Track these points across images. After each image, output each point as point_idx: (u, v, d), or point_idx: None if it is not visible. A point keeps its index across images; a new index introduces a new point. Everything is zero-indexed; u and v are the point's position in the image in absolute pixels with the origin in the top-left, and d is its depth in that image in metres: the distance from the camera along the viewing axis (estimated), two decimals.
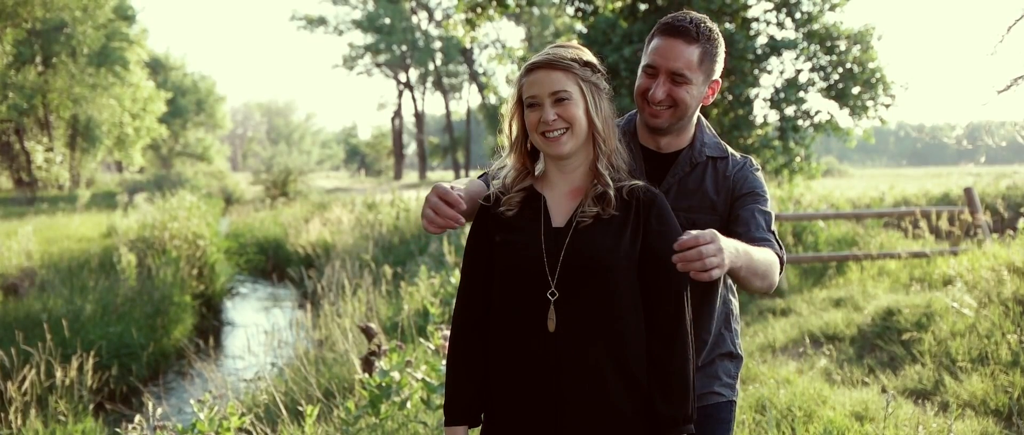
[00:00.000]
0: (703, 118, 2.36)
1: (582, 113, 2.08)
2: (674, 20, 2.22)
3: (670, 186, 2.29)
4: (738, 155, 2.35)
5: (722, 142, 2.41)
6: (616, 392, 2.03)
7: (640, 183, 2.14)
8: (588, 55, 2.14)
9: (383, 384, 4.12)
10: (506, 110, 2.17)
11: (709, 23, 2.25)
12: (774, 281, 2.14)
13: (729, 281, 2.35)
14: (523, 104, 2.12)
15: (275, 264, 17.87)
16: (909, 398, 5.25)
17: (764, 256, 2.09)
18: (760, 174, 2.35)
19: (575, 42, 2.17)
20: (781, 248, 2.20)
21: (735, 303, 2.41)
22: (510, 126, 2.17)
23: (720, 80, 2.29)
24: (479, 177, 2.35)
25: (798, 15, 20.59)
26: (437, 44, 55.87)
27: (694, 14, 2.24)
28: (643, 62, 2.24)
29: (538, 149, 2.15)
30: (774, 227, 2.26)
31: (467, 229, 2.31)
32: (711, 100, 2.31)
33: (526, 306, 2.07)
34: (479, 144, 58.85)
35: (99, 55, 37.41)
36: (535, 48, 32.92)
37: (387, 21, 54.38)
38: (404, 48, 55.96)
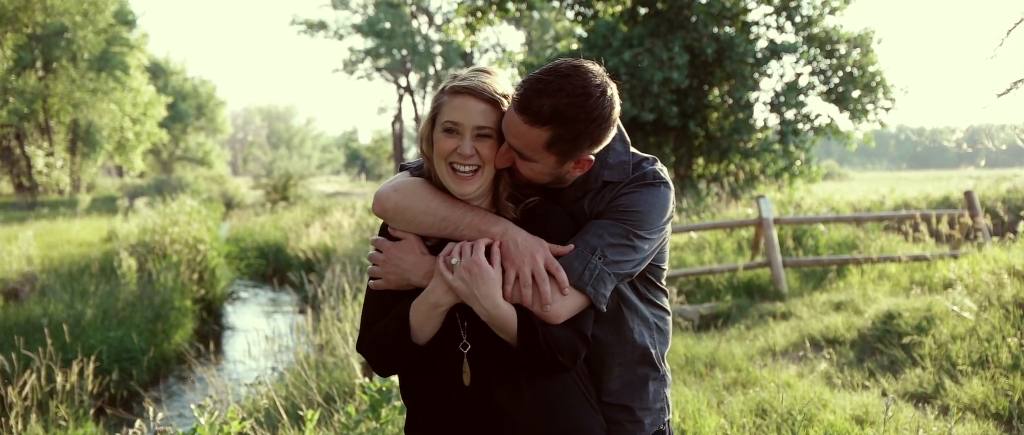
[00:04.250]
0: (622, 134, 2.08)
1: (494, 154, 1.94)
2: (530, 91, 1.87)
3: None
4: (644, 172, 2.04)
5: (641, 158, 2.09)
6: None
7: (534, 198, 2.03)
8: (508, 87, 1.99)
9: (383, 388, 4.12)
10: (423, 125, 2.01)
11: (582, 100, 1.86)
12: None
13: (642, 296, 2.17)
14: (435, 123, 1.95)
15: (275, 268, 17.88)
16: (909, 402, 5.25)
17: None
18: (654, 194, 2.02)
19: (495, 69, 2.00)
20: (589, 275, 1.91)
21: (652, 323, 2.19)
22: (428, 147, 2.00)
23: (594, 159, 1.98)
24: (402, 169, 2.17)
25: (798, 19, 20.63)
26: (437, 48, 55.95)
27: (576, 81, 1.88)
28: None
29: (437, 175, 1.99)
30: (599, 258, 1.93)
31: None
32: (581, 172, 2.00)
33: (440, 360, 1.98)
34: None
35: (99, 60, 37.49)
36: (535, 52, 32.91)
37: (387, 25, 54.44)
38: (404, 52, 56.03)
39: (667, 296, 2.26)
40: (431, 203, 2.00)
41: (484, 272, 1.86)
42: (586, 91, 1.87)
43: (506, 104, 1.95)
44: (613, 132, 1.99)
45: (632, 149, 2.11)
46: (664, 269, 2.20)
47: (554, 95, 1.85)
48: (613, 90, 1.94)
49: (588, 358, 2.08)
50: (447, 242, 1.98)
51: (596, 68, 1.94)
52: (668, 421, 2.25)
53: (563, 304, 1.91)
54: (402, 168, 2.17)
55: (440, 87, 1.98)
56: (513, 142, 1.93)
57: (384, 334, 1.99)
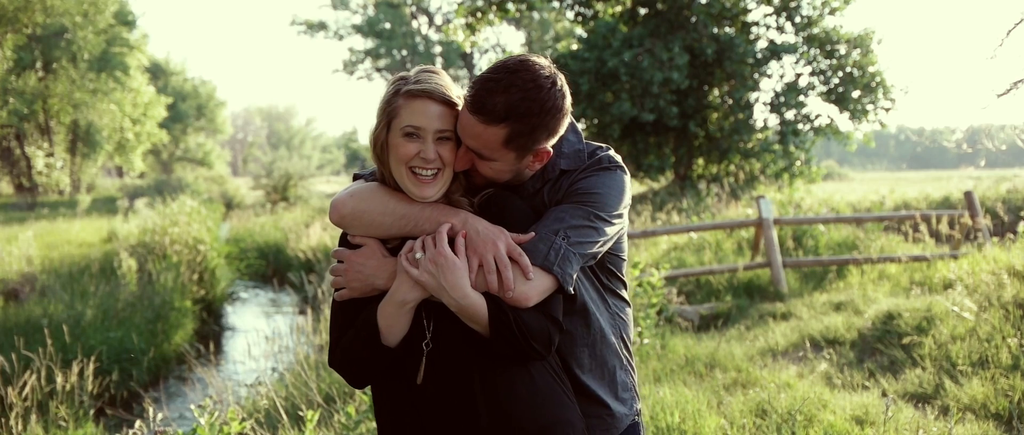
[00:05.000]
0: (573, 125, 2.12)
1: (453, 157, 1.96)
2: (482, 91, 1.88)
3: None
4: (599, 158, 2.09)
5: (595, 147, 2.14)
6: None
7: (490, 190, 2.04)
8: (455, 86, 2.00)
9: None
10: (375, 129, 1.98)
11: (534, 93, 1.88)
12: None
13: (605, 286, 2.19)
14: (391, 127, 1.94)
15: (276, 269, 17.88)
16: (909, 402, 5.25)
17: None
18: (612, 177, 2.06)
19: (440, 69, 2.00)
20: (554, 255, 1.92)
21: (614, 313, 2.22)
22: (383, 151, 1.98)
23: (552, 150, 2.01)
24: (355, 178, 2.18)
25: (798, 19, 20.63)
26: (437, 49, 55.96)
27: (525, 75, 1.89)
28: None
29: (395, 180, 1.99)
30: (564, 238, 1.94)
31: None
32: (540, 165, 2.03)
33: (410, 362, 1.96)
34: None
35: (100, 60, 37.50)
36: (535, 53, 32.88)
37: (387, 26, 54.45)
38: (404, 53, 56.04)
39: (627, 287, 2.28)
40: (388, 203, 2.00)
41: (450, 262, 1.86)
42: (537, 83, 1.89)
43: (460, 104, 1.95)
44: (567, 121, 2.02)
45: (584, 139, 2.16)
46: (623, 259, 2.22)
47: (506, 91, 1.87)
48: (562, 80, 1.97)
49: (558, 351, 2.08)
50: (406, 242, 1.97)
51: (543, 60, 1.96)
52: (639, 410, 2.27)
53: (532, 287, 1.90)
54: (356, 178, 2.16)
55: (391, 90, 1.95)
56: (471, 143, 1.94)
57: (354, 342, 1.97)
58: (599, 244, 2.02)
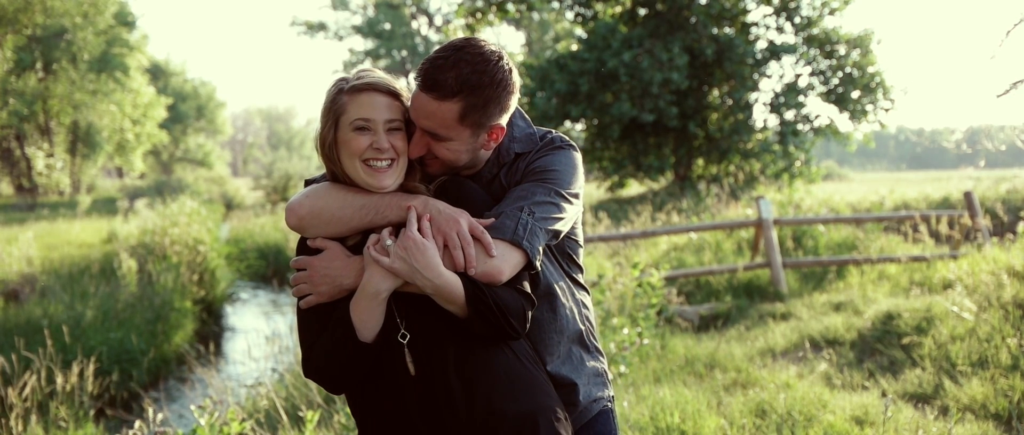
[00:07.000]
0: (521, 112, 2.18)
1: (406, 146, 1.99)
2: (433, 69, 1.93)
3: None
4: (552, 138, 2.13)
5: (545, 130, 2.18)
6: (489, 420, 1.91)
7: (444, 177, 2.06)
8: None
9: None
10: (321, 131, 1.99)
11: (483, 66, 1.93)
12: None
13: (566, 272, 2.21)
14: (339, 124, 1.95)
15: (276, 269, 17.91)
16: (909, 402, 5.26)
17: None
18: (566, 155, 2.10)
19: (386, 74, 2.03)
20: (522, 230, 1.94)
21: (577, 300, 2.23)
22: (333, 150, 1.99)
23: (505, 126, 2.04)
24: (306, 184, 2.16)
25: (797, 20, 20.65)
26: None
27: (472, 50, 1.94)
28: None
29: (350, 176, 2.00)
30: (529, 214, 1.96)
31: None
32: (495, 144, 2.06)
33: (387, 355, 1.94)
34: None
35: (100, 61, 37.52)
36: (535, 53, 32.89)
37: (387, 27, 54.47)
38: (404, 53, 56.07)
39: (583, 273, 2.30)
40: (346, 196, 2.00)
41: (420, 244, 1.86)
42: (484, 57, 1.94)
43: (405, 95, 1.99)
44: (516, 98, 2.05)
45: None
46: (580, 244, 2.24)
47: (456, 66, 1.91)
48: (507, 57, 2.00)
49: (528, 337, 2.09)
50: (370, 237, 1.97)
51: (486, 39, 2.00)
52: (611, 397, 2.28)
53: (504, 262, 1.91)
54: (307, 183, 2.16)
55: (334, 90, 1.97)
56: (426, 124, 1.96)
57: (331, 344, 1.94)
58: (562, 222, 2.04)
